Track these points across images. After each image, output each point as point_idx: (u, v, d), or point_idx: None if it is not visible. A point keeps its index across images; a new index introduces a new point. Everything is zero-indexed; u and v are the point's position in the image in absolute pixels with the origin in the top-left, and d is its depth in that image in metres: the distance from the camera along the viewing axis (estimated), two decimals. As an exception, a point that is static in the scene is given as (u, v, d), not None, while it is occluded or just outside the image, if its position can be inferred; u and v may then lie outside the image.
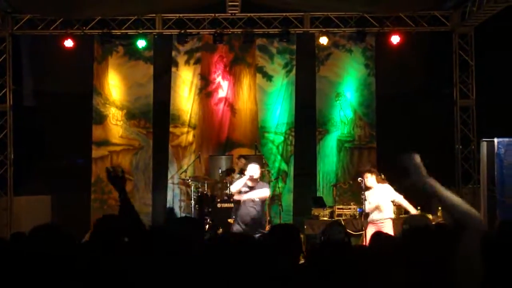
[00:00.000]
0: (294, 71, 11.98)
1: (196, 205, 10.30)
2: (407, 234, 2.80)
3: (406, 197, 8.08)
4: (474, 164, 11.25)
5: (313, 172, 11.86)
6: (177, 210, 11.31)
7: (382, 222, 7.99)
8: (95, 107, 11.83)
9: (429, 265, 2.52)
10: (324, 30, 11.64)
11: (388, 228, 7.84)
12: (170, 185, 11.81)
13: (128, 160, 11.82)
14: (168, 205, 11.49)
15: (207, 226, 9.77)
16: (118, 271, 3.03)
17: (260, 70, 12.00)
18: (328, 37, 11.59)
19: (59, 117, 11.53)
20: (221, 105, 12.01)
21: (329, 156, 11.93)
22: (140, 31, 11.59)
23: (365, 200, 8.16)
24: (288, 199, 11.69)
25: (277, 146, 11.95)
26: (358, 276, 2.84)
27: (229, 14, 11.53)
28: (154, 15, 11.58)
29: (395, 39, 11.42)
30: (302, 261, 3.65)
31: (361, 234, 8.90)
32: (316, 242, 5.17)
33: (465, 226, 2.67)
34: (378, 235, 4.24)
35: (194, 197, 10.42)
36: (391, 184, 8.22)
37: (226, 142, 12.00)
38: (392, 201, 8.22)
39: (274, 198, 10.98)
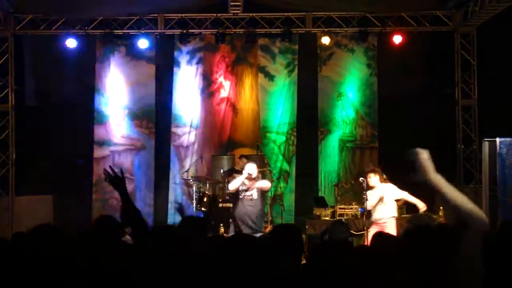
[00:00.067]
0: (296, 71, 11.97)
1: (198, 205, 10.30)
2: (409, 233, 2.79)
3: (412, 193, 8.04)
4: (476, 164, 11.23)
5: (315, 172, 11.85)
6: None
7: (385, 222, 7.99)
8: (97, 107, 11.84)
9: (430, 265, 2.52)
10: (326, 30, 11.63)
11: (391, 228, 7.85)
12: (172, 185, 11.82)
13: (130, 160, 11.81)
14: (173, 203, 11.47)
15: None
16: (118, 271, 3.04)
17: (262, 70, 12.00)
18: (330, 37, 11.58)
19: (61, 117, 11.50)
20: (223, 105, 12.00)
21: (331, 156, 11.92)
22: (142, 31, 11.59)
23: (366, 199, 8.17)
24: (289, 199, 11.68)
25: (279, 146, 11.94)
26: (359, 276, 2.84)
27: (231, 14, 11.52)
28: (156, 15, 11.57)
29: (397, 39, 11.40)
30: (303, 261, 3.65)
31: (362, 234, 8.90)
32: (318, 242, 5.16)
33: (468, 226, 2.65)
34: (380, 235, 4.25)
35: (196, 197, 10.41)
36: (393, 183, 8.22)
37: (228, 142, 12.00)
38: (398, 200, 8.21)
39: (276, 198, 10.98)
